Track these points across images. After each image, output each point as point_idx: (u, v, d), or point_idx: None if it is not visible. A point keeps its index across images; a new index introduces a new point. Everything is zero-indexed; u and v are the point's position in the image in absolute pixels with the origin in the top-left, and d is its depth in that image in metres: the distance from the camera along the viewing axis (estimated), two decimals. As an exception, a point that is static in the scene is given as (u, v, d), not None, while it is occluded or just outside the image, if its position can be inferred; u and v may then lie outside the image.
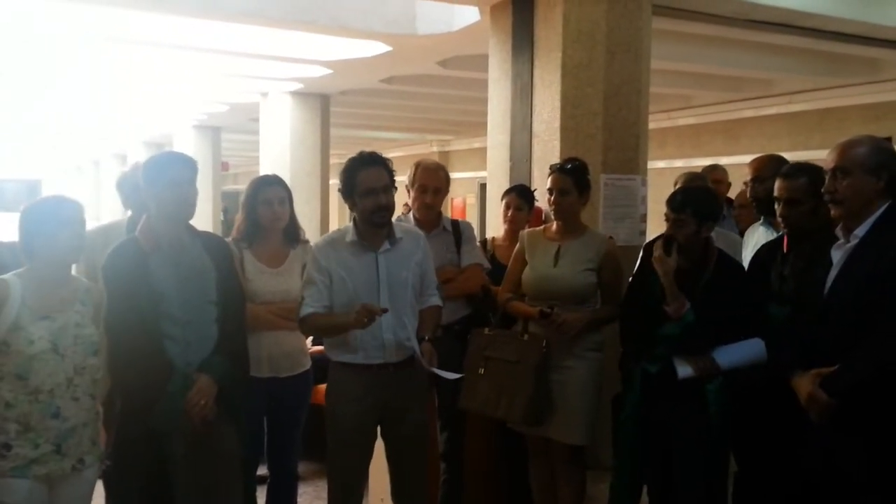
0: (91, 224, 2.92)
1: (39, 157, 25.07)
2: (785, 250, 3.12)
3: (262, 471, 3.64)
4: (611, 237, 3.67)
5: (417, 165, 3.77)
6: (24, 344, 2.54)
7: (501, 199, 4.40)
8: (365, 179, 3.02)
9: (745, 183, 3.78)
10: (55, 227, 2.63)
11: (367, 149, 3.20)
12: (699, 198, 3.20)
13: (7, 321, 2.54)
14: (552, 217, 3.59)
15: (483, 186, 13.82)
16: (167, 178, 2.80)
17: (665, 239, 3.16)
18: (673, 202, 3.16)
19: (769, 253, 3.19)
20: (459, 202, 16.65)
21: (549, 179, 3.51)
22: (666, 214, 3.18)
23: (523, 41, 5.13)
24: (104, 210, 19.46)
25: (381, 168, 3.04)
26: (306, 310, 3.04)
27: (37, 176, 25.46)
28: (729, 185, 5.34)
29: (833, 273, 2.62)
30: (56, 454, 2.60)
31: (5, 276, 2.62)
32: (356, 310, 2.87)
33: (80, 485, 2.71)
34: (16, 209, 2.77)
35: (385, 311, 2.90)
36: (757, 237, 3.65)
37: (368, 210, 3.02)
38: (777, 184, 3.10)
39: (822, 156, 2.83)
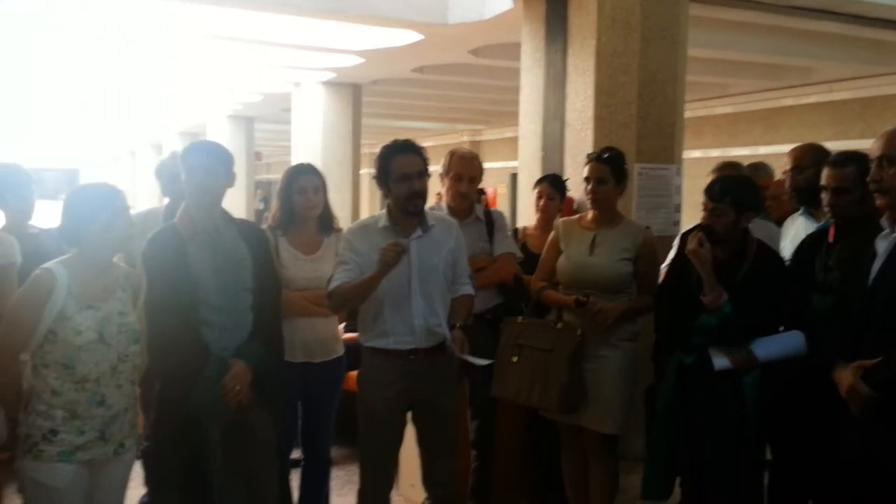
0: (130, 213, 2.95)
1: (76, 147, 25.47)
2: (831, 240, 3.07)
3: (296, 455, 3.68)
4: (648, 227, 3.64)
5: (452, 154, 3.77)
6: (72, 334, 2.57)
7: (533, 189, 4.38)
8: (399, 165, 3.03)
9: (784, 173, 3.72)
10: (111, 215, 2.65)
11: (399, 138, 3.21)
12: (739, 187, 3.16)
13: (54, 311, 2.56)
14: (586, 206, 3.57)
15: (514, 176, 13.78)
16: (186, 165, 2.85)
17: (700, 229, 3.12)
18: (711, 191, 3.12)
19: (813, 243, 3.13)
20: (491, 192, 16.62)
21: (586, 168, 3.49)
22: (704, 204, 3.14)
23: (556, 28, 5.08)
24: (140, 199, 19.74)
25: (415, 155, 3.06)
26: (333, 284, 3.04)
27: (74, 166, 25.87)
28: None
29: (878, 263, 2.57)
30: (100, 440, 2.64)
31: (50, 265, 2.63)
32: (380, 255, 2.84)
33: (120, 468, 2.77)
34: (55, 197, 2.78)
35: (405, 249, 2.86)
36: (796, 228, 3.59)
37: (402, 196, 3.03)
38: (825, 172, 3.03)
39: (863, 146, 2.78)
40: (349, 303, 3.11)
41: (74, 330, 2.57)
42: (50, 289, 2.57)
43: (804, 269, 3.09)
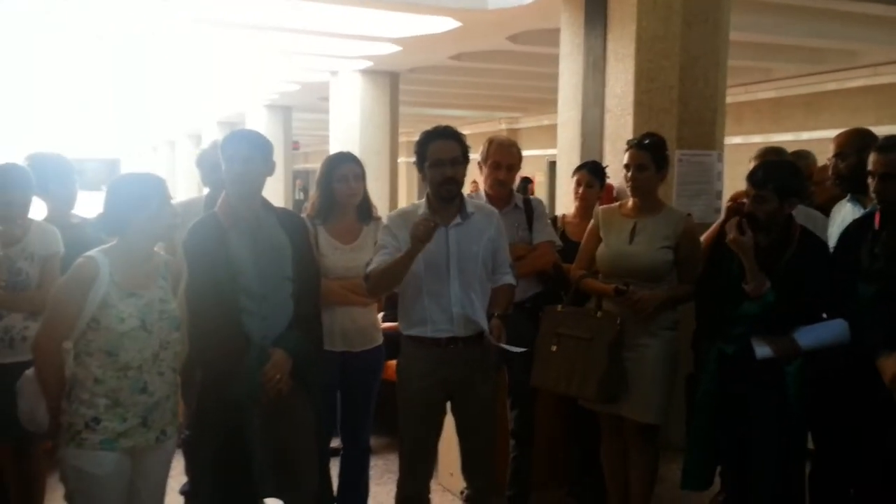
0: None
1: (116, 138, 25.85)
2: (877, 227, 2.99)
3: (336, 443, 3.71)
4: (689, 214, 3.58)
5: (491, 142, 3.74)
6: (115, 322, 2.57)
7: (572, 176, 4.35)
8: (434, 151, 3.02)
9: (829, 159, 3.64)
10: (159, 205, 2.65)
11: (440, 125, 3.19)
12: (782, 173, 3.09)
13: (97, 298, 2.57)
14: (627, 193, 3.53)
15: (552, 164, 13.70)
16: (225, 154, 2.86)
17: (740, 216, 3.06)
18: (754, 177, 3.06)
19: (859, 229, 3.06)
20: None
21: (627, 155, 3.44)
22: (747, 190, 3.09)
23: (596, 13, 5.03)
24: (179, 189, 20.01)
25: (452, 141, 3.04)
26: (371, 267, 3.03)
27: (115, 156, 26.25)
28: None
29: (924, 250, 2.50)
30: (142, 427, 2.65)
31: (92, 253, 2.64)
32: (411, 231, 2.83)
33: (162, 455, 2.77)
34: (97, 188, 2.80)
35: (438, 224, 2.86)
36: (844, 214, 3.51)
37: (436, 182, 3.03)
38: (872, 157, 2.97)
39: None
40: (385, 283, 3.06)
41: (117, 317, 2.58)
42: (93, 276, 2.58)
43: (849, 255, 3.03)
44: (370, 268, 3.03)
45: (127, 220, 2.63)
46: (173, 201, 2.79)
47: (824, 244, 3.20)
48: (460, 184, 3.07)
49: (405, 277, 3.02)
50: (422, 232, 2.81)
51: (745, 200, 3.15)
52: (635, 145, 3.45)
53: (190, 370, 2.94)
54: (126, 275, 2.64)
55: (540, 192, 15.75)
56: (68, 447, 2.61)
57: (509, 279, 3.21)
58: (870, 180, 2.97)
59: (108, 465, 2.60)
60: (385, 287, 3.14)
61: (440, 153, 3.01)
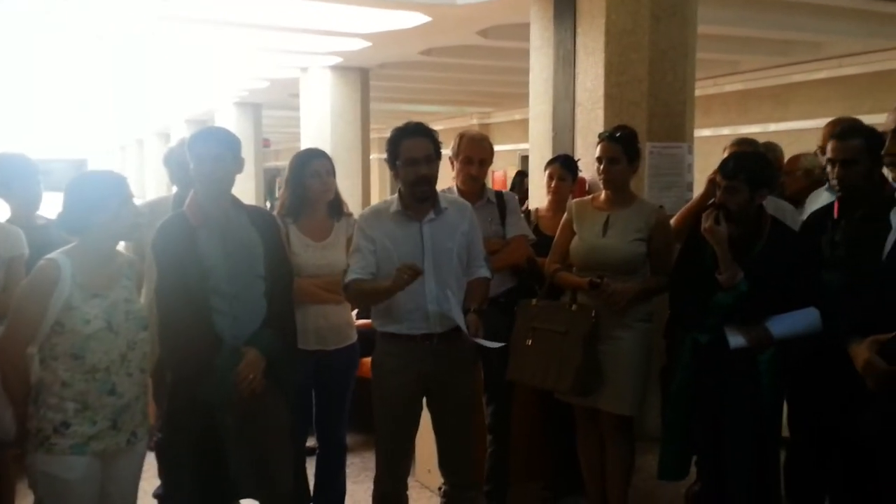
0: (137, 201, 2.92)
1: (84, 138, 25.48)
2: (836, 216, 3.04)
3: (311, 442, 3.69)
4: (661, 206, 3.60)
5: (462, 136, 3.73)
6: (80, 324, 2.54)
7: (544, 170, 4.35)
8: (407, 149, 3.00)
9: (820, 146, 3.67)
10: (119, 204, 2.61)
11: (411, 121, 3.17)
12: (752, 164, 3.12)
13: (60, 301, 2.53)
14: (600, 186, 3.53)
15: (524, 159, 13.72)
16: (194, 153, 2.82)
17: (715, 207, 3.09)
18: (725, 168, 3.08)
19: (819, 219, 3.12)
20: (500, 175, 16.56)
21: (598, 148, 3.45)
22: (717, 181, 3.11)
23: (565, 7, 5.03)
24: (149, 189, 19.76)
25: (424, 139, 3.02)
26: (351, 276, 3.03)
27: (82, 156, 25.86)
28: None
29: (892, 237, 2.54)
30: (112, 430, 2.62)
31: (54, 256, 2.59)
32: (395, 272, 2.84)
33: (133, 457, 2.74)
34: (63, 189, 2.73)
35: (420, 272, 2.86)
36: (821, 202, 3.55)
37: (410, 181, 3.01)
38: (831, 145, 3.01)
39: (873, 120, 2.75)
40: (363, 303, 3.19)
41: (82, 319, 2.54)
42: (55, 279, 2.53)
43: (811, 244, 3.07)
44: (348, 278, 3.03)
45: (87, 219, 2.59)
46: (141, 200, 2.75)
47: (795, 234, 3.23)
48: (434, 181, 3.05)
49: (380, 271, 3.01)
50: (405, 281, 2.82)
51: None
52: (607, 138, 3.45)
53: (161, 371, 2.91)
54: (89, 276, 2.60)
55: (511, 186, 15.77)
56: (37, 453, 2.56)
57: (484, 272, 3.21)
58: (829, 168, 3.01)
59: (79, 470, 2.56)
60: (362, 305, 3.21)
61: (414, 151, 2.99)
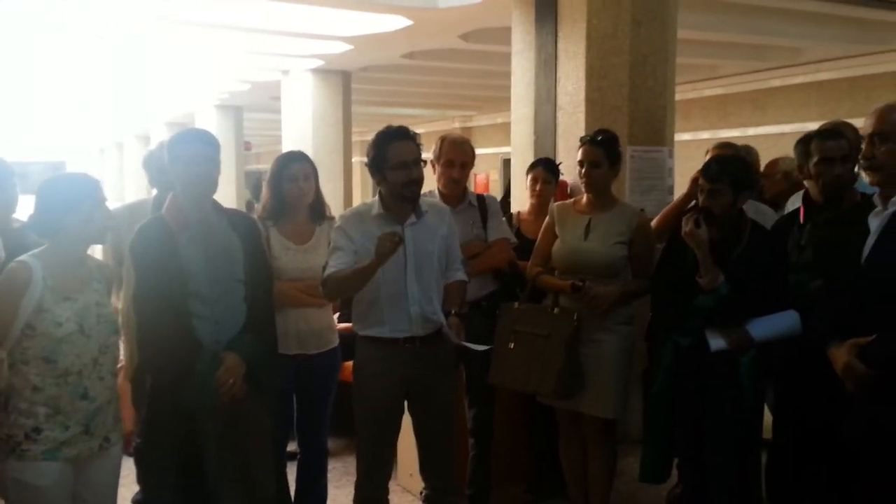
0: (115, 204, 2.90)
1: (62, 140, 25.25)
2: (801, 220, 3.08)
3: (292, 447, 3.66)
4: (642, 210, 3.62)
5: (443, 140, 3.73)
6: (52, 327, 2.50)
7: (527, 174, 4.35)
8: (397, 153, 2.99)
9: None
10: (91, 206, 2.59)
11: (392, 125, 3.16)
12: (735, 167, 3.14)
13: (31, 304, 2.49)
14: (581, 190, 3.54)
15: (506, 162, 13.74)
16: (187, 155, 2.78)
17: (696, 210, 3.10)
18: (708, 171, 3.10)
19: (785, 225, 3.16)
20: (483, 178, 16.59)
21: (580, 152, 3.46)
22: (700, 184, 3.12)
23: (547, 11, 5.05)
24: (128, 192, 19.60)
25: (411, 142, 3.02)
26: (329, 271, 2.99)
27: (60, 158, 25.62)
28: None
29: (871, 241, 2.55)
30: (85, 435, 2.59)
31: (24, 258, 2.56)
32: (376, 245, 2.77)
33: (106, 463, 2.70)
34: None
35: (401, 241, 2.81)
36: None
37: (400, 184, 2.99)
38: (813, 146, 3.05)
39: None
40: (344, 291, 3.07)
41: (54, 322, 2.50)
42: (26, 282, 2.49)
43: (780, 248, 3.12)
44: (327, 272, 2.99)
45: (58, 222, 2.56)
46: (121, 203, 2.72)
47: (772, 235, 3.25)
48: (422, 183, 3.05)
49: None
50: (388, 248, 2.76)
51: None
52: (588, 142, 3.46)
53: (140, 376, 2.87)
54: (60, 278, 2.57)
55: (494, 189, 15.79)
56: (8, 460, 2.52)
57: (461, 275, 3.21)
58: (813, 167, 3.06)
59: (51, 476, 2.52)
60: (343, 294, 3.14)
61: (404, 155, 2.99)
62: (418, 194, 3.04)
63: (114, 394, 2.71)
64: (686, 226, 3.04)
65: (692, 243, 3.03)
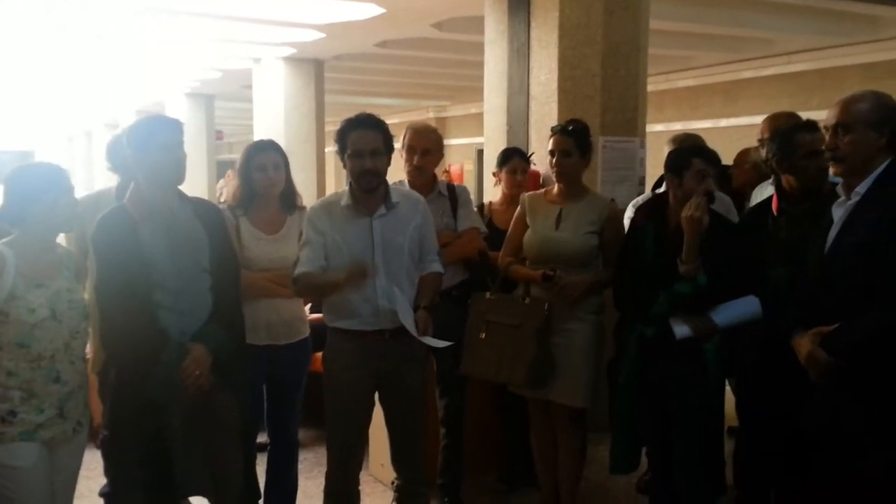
0: (83, 193, 2.87)
1: (30, 129, 24.87)
2: (775, 212, 3.10)
3: (262, 438, 3.64)
4: (613, 200, 3.63)
5: (408, 129, 3.71)
6: (25, 313, 2.55)
7: (502, 165, 4.28)
8: (354, 141, 2.97)
9: (759, 141, 3.72)
10: (56, 195, 2.63)
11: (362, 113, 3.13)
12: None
13: (4, 291, 2.53)
14: (553, 180, 3.54)
15: (480, 152, 13.73)
16: (158, 141, 2.72)
17: (704, 196, 3.04)
18: (714, 159, 3.10)
19: (758, 214, 3.18)
20: (457, 168, 16.55)
21: (551, 141, 3.46)
22: (704, 171, 3.08)
23: (519, 1, 5.04)
24: (97, 181, 19.30)
25: (373, 131, 2.98)
26: (299, 269, 3.00)
27: (29, 147, 25.23)
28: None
29: (834, 231, 2.58)
30: (59, 417, 2.64)
31: None
32: (348, 268, 2.84)
33: (75, 448, 2.77)
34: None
35: (369, 276, 2.87)
36: (765, 196, 3.61)
37: (355, 173, 2.99)
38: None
39: (821, 116, 2.79)
40: (313, 294, 3.18)
41: (27, 308, 2.56)
42: (0, 269, 2.54)
43: (751, 238, 3.13)
44: (298, 271, 2.99)
45: (22, 212, 2.61)
46: (86, 192, 2.71)
47: (735, 226, 3.27)
48: (380, 175, 3.01)
49: (330, 265, 3.00)
50: (355, 278, 2.86)
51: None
52: (559, 131, 3.46)
53: (106, 369, 2.85)
54: (31, 266, 2.61)
55: (469, 180, 15.78)
56: None
57: (437, 267, 3.19)
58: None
59: (30, 457, 2.58)
60: (313, 297, 3.23)
61: (359, 144, 2.96)
62: (374, 185, 2.99)
63: (84, 378, 2.76)
64: (695, 211, 2.98)
65: (693, 228, 2.98)
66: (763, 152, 3.68)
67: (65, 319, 2.64)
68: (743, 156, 4.43)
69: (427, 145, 3.65)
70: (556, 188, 3.53)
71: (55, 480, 2.69)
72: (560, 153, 3.41)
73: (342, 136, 3.00)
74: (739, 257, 3.05)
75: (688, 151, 3.19)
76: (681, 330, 3.04)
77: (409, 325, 2.94)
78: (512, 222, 3.63)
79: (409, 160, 3.65)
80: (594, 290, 3.40)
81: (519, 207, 3.62)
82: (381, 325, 3.01)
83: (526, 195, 3.66)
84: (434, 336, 3.00)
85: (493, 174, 4.38)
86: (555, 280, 3.29)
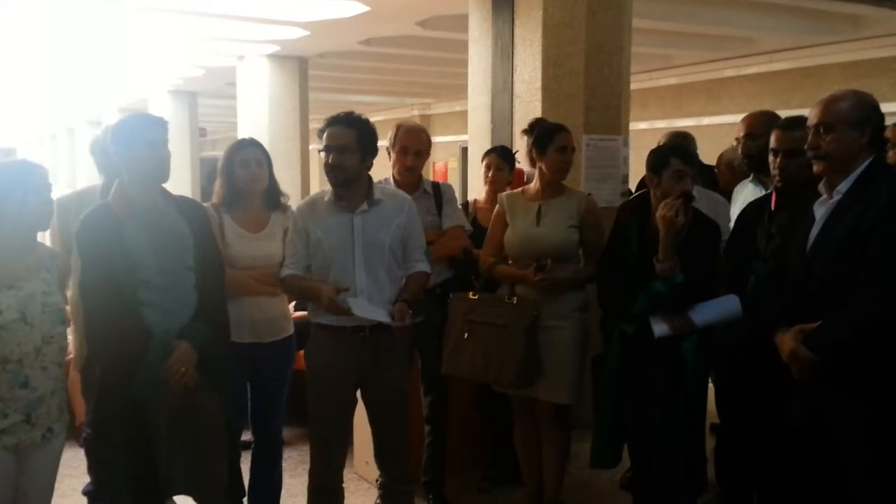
0: (65, 191, 2.83)
1: (12, 126, 24.64)
2: (773, 208, 3.11)
3: (247, 436, 3.63)
4: (589, 194, 3.67)
5: (399, 127, 3.72)
6: None
7: (482, 161, 4.35)
8: (327, 137, 3.02)
9: (737, 139, 3.75)
10: (25, 192, 2.57)
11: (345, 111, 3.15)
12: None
13: None
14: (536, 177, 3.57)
15: (464, 150, 13.74)
16: (144, 139, 2.72)
17: (682, 197, 3.07)
18: (693, 158, 3.11)
19: (756, 211, 3.18)
20: (441, 166, 16.56)
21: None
22: (682, 171, 3.10)
23: (503, 0, 5.05)
24: (80, 178, 19.14)
25: (346, 128, 3.00)
26: (285, 271, 3.09)
27: (10, 145, 25.01)
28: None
29: (815, 229, 2.61)
30: (26, 424, 2.58)
31: None
32: (326, 293, 2.88)
33: (49, 454, 2.70)
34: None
35: (346, 289, 2.91)
36: (746, 195, 3.64)
37: (325, 168, 3.01)
38: (775, 135, 3.06)
39: (804, 114, 2.80)
40: (299, 298, 3.22)
41: None
42: None
43: (746, 236, 3.14)
44: (284, 272, 3.08)
45: None
46: (71, 190, 2.67)
47: (715, 225, 3.29)
48: (347, 170, 3.01)
49: (312, 261, 3.03)
50: (332, 309, 2.90)
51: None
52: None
53: (90, 367, 2.83)
54: (4, 266, 2.55)
55: (453, 178, 15.78)
56: None
57: (423, 266, 3.19)
58: (771, 158, 3.07)
59: None
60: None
61: (329, 139, 3.01)
62: (340, 180, 3.01)
63: (59, 384, 2.68)
64: (668, 210, 3.00)
65: (668, 228, 3.00)
66: (739, 151, 3.71)
67: (37, 323, 2.57)
68: (719, 157, 4.47)
69: (420, 147, 3.67)
70: (533, 186, 3.56)
71: (28, 488, 2.63)
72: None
73: (320, 133, 3.05)
74: (713, 255, 3.07)
75: (667, 150, 3.22)
76: (659, 328, 3.06)
77: (382, 316, 2.94)
78: (491, 222, 3.65)
79: (400, 160, 3.65)
80: (576, 284, 3.43)
81: (497, 207, 3.63)
82: (360, 321, 3.00)
83: (503, 194, 3.68)
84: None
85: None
86: (548, 268, 3.30)
